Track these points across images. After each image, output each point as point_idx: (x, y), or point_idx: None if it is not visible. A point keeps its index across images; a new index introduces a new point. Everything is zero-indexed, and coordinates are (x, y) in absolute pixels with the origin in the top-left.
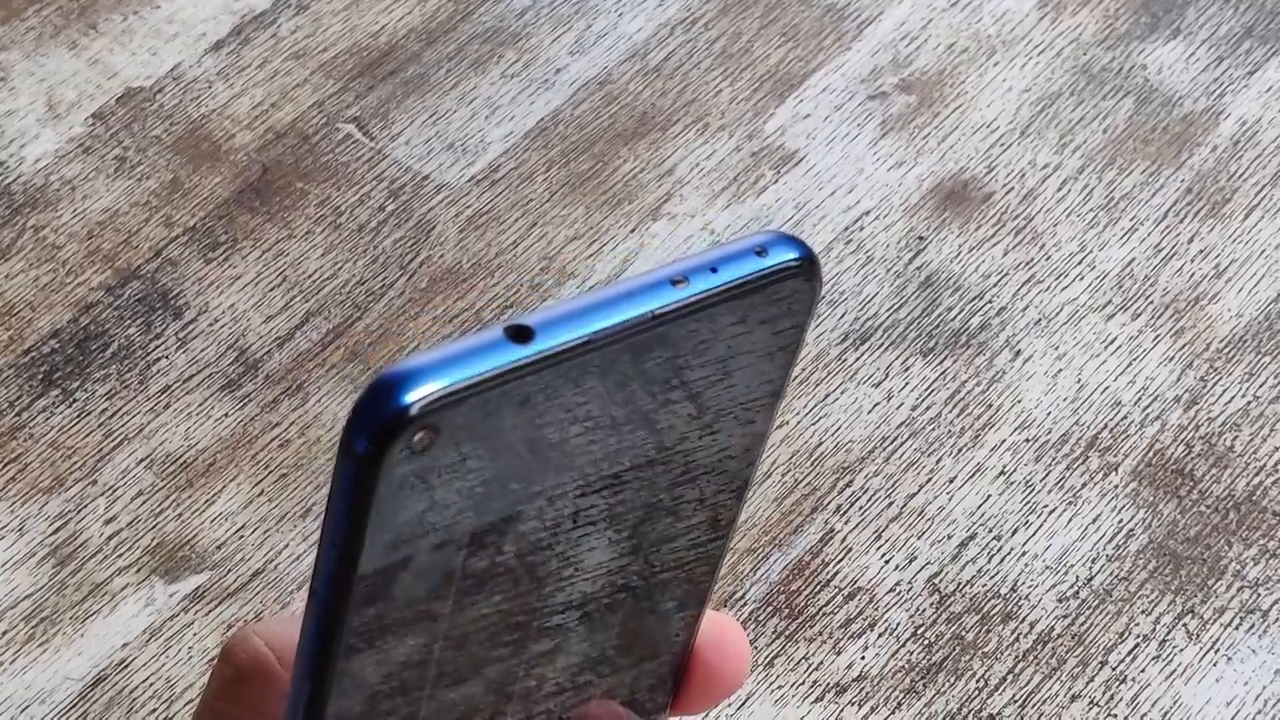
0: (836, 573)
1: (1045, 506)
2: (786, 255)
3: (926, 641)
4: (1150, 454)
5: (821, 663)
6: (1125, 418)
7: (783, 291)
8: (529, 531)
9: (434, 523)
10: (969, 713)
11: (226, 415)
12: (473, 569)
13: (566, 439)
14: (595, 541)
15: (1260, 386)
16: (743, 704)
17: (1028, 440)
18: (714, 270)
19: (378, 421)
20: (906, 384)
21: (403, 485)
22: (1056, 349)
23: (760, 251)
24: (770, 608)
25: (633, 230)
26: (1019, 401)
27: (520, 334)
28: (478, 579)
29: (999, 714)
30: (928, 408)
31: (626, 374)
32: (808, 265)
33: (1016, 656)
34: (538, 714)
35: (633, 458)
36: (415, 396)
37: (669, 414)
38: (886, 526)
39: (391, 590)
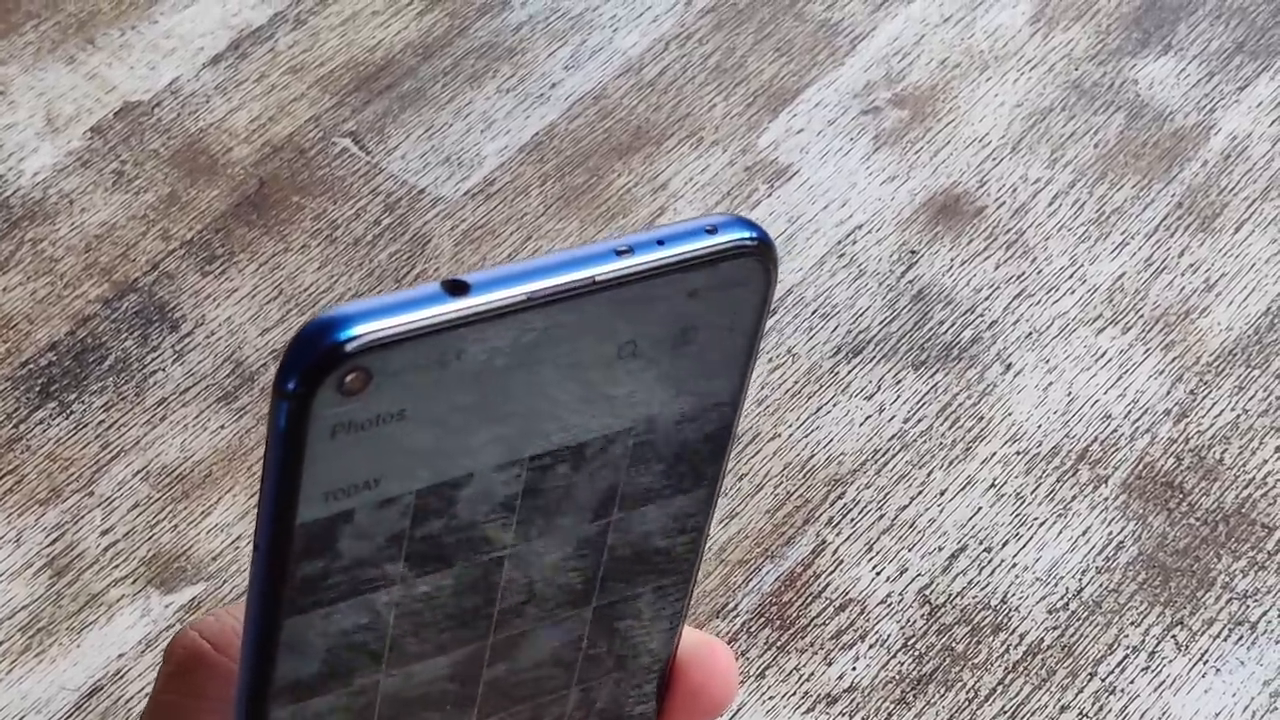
0: (828, 584)
1: (1035, 519)
2: (738, 235)
3: (917, 653)
4: (1140, 467)
5: (813, 674)
6: (1115, 431)
7: (734, 271)
8: (481, 501)
9: (375, 477)
10: None
11: (223, 427)
12: (423, 534)
13: (514, 404)
14: (555, 520)
15: (1250, 400)
16: (734, 715)
17: (1018, 453)
18: (661, 243)
19: (307, 359)
20: (898, 397)
21: (337, 430)
22: (1047, 362)
23: (711, 230)
24: (762, 619)
25: None
26: (1010, 414)
27: (457, 288)
28: (429, 546)
29: None
30: (919, 420)
31: (573, 340)
32: (760, 246)
33: (1006, 668)
34: (511, 714)
35: (589, 432)
36: (345, 335)
37: (624, 387)
38: (878, 538)
39: (335, 545)
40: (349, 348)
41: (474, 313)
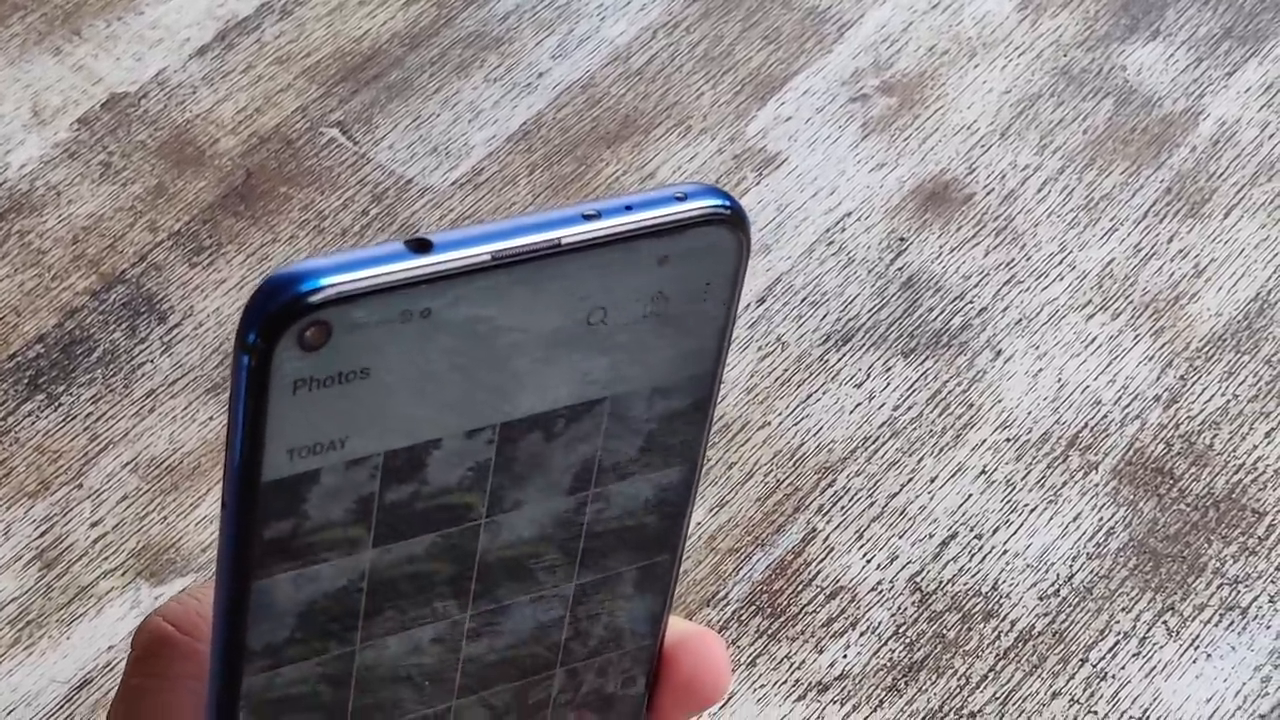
0: (819, 572)
1: (1026, 505)
2: (708, 202)
3: (908, 640)
4: (1130, 452)
5: (804, 661)
6: (1105, 417)
7: (705, 238)
8: (452, 467)
9: (341, 437)
10: (950, 710)
11: (211, 419)
12: (393, 500)
13: (482, 367)
14: (530, 492)
15: (1239, 385)
16: (725, 703)
17: (1008, 439)
18: (629, 209)
19: (265, 312)
20: (888, 384)
21: (299, 385)
22: (1037, 349)
23: (681, 197)
24: (753, 607)
25: None
26: (1000, 401)
27: (420, 245)
28: (400, 512)
29: (980, 712)
30: (909, 408)
31: (539, 304)
32: (730, 214)
33: (997, 654)
34: (493, 694)
35: (562, 400)
36: (303, 288)
37: (596, 355)
38: (868, 526)
39: (303, 506)
40: (307, 300)
41: (436, 270)
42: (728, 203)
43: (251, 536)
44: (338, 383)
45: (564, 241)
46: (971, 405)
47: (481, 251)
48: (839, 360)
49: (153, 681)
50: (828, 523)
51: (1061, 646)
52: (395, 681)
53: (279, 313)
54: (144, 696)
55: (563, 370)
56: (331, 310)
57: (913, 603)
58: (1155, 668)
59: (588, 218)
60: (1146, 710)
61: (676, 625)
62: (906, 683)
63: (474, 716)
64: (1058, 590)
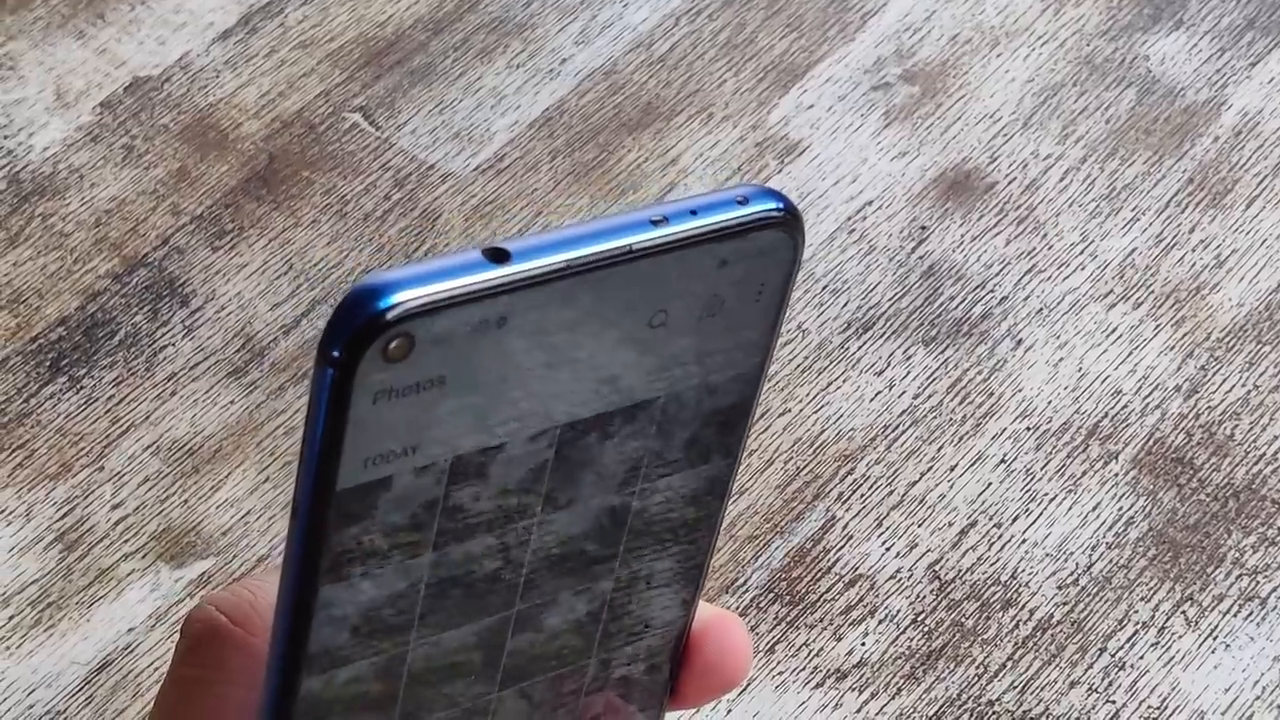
0: (838, 560)
1: (1046, 494)
2: (767, 205)
3: (927, 628)
4: (1150, 442)
5: (822, 649)
6: (1126, 406)
7: (763, 241)
8: (513, 469)
9: (414, 444)
10: (968, 699)
11: (233, 402)
12: (455, 502)
13: (550, 371)
14: (582, 490)
15: (1260, 376)
16: (744, 689)
17: (1029, 429)
18: (693, 213)
19: (352, 326)
20: (908, 372)
21: (380, 396)
22: (1058, 338)
23: (742, 200)
24: (772, 594)
25: None
26: (1020, 390)
27: (497, 255)
28: (461, 514)
29: (998, 700)
30: (929, 396)
31: (607, 308)
32: (788, 217)
33: (1016, 643)
34: (531, 685)
35: (618, 402)
36: (390, 302)
37: (654, 356)
38: (888, 514)
39: (373, 512)
40: (393, 314)
41: (514, 279)
42: (785, 206)
43: (321, 543)
44: (415, 392)
45: (635, 248)
46: (992, 394)
47: (557, 260)
48: (859, 348)
49: (208, 673)
50: (847, 510)
51: (1080, 636)
52: (443, 677)
53: (365, 326)
54: (196, 686)
55: (622, 372)
56: (415, 322)
57: (931, 591)
58: (1174, 658)
59: (655, 223)
60: (1165, 700)
61: (699, 609)
62: (925, 670)
63: (512, 706)
64: (1077, 580)
